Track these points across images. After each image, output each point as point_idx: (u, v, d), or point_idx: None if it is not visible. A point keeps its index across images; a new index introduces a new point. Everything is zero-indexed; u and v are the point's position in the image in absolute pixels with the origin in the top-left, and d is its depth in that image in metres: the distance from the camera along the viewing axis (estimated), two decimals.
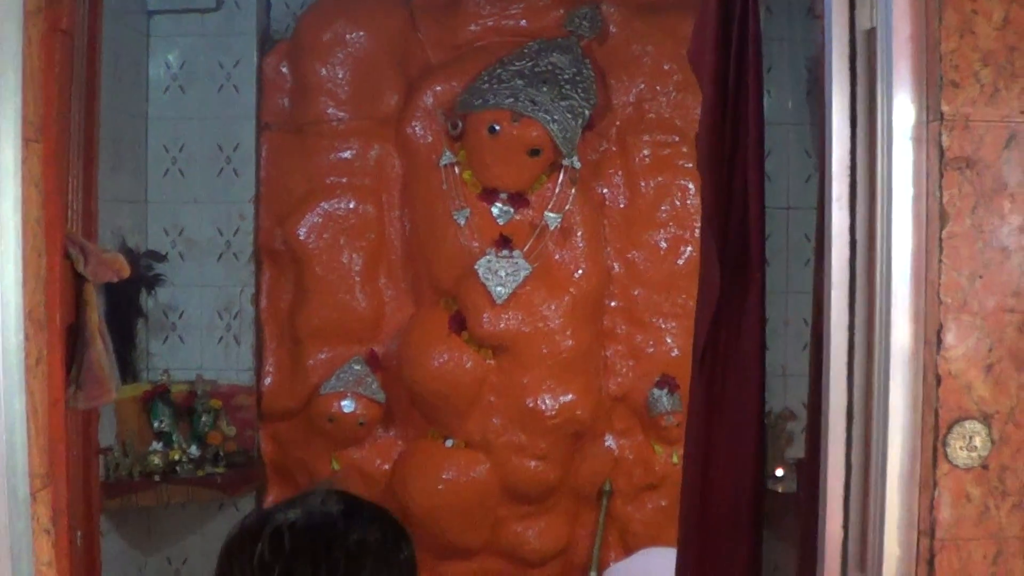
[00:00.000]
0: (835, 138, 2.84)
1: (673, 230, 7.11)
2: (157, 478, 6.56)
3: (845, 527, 2.89)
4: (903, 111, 2.66)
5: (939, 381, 2.61)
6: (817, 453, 3.05)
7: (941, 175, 2.60)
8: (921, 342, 2.65)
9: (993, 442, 2.63)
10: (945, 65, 2.59)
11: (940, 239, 2.60)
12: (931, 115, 2.62)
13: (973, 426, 2.62)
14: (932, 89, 2.62)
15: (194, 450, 6.77)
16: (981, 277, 2.61)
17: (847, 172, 2.83)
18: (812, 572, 3.11)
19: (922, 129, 2.65)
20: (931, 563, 2.66)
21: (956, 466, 2.63)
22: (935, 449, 2.63)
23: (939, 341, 2.61)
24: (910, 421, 2.67)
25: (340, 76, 7.12)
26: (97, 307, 3.70)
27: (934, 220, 2.61)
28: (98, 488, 4.17)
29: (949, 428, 2.62)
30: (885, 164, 2.69)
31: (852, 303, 2.83)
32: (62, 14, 3.30)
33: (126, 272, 3.82)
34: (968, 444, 2.63)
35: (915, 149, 2.66)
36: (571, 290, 6.93)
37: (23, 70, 2.87)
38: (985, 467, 2.64)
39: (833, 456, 2.85)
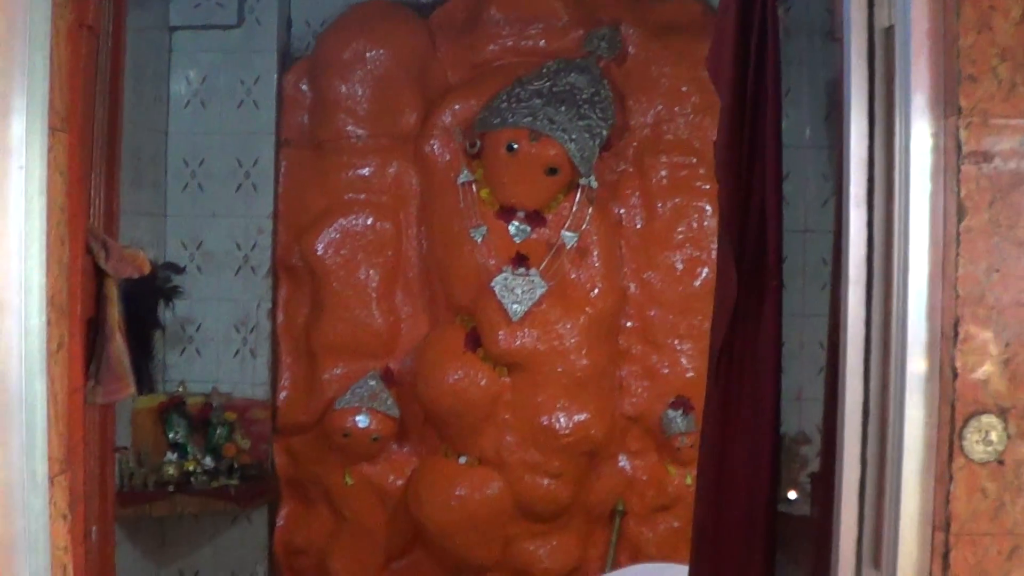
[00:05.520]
0: (853, 136, 2.86)
1: (690, 251, 7.11)
2: (171, 488, 6.58)
3: (860, 523, 2.89)
4: (921, 107, 2.68)
5: (955, 375, 2.62)
6: (833, 465, 3.05)
7: (959, 170, 2.61)
8: (938, 336, 2.66)
9: (1009, 436, 2.63)
10: (963, 60, 2.61)
11: (957, 233, 2.61)
12: (949, 110, 2.64)
13: (989, 420, 2.63)
14: (950, 84, 2.64)
15: (208, 462, 6.77)
16: (998, 271, 2.62)
17: (865, 168, 2.84)
18: None
19: (940, 124, 2.66)
20: (946, 558, 2.66)
21: (972, 460, 2.63)
22: (951, 443, 2.63)
23: (956, 335, 2.61)
24: (926, 415, 2.67)
25: (359, 93, 7.15)
26: (117, 303, 3.72)
27: (951, 214, 2.62)
28: (113, 486, 4.18)
29: (965, 422, 2.62)
30: (903, 160, 2.70)
31: (869, 299, 2.84)
32: (87, 10, 3.33)
33: (147, 268, 3.85)
34: (984, 438, 2.63)
35: (933, 144, 2.67)
36: (587, 309, 6.93)
37: (50, 60, 2.89)
38: (1001, 462, 2.64)
39: (849, 451, 2.85)
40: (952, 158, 2.63)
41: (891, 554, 2.74)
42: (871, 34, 2.87)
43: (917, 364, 2.68)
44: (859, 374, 2.84)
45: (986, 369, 2.62)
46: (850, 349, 2.85)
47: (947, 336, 2.64)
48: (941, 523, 2.66)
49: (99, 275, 3.62)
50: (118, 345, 3.67)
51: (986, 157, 2.60)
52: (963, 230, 2.61)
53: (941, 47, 2.66)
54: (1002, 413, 2.63)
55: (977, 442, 2.63)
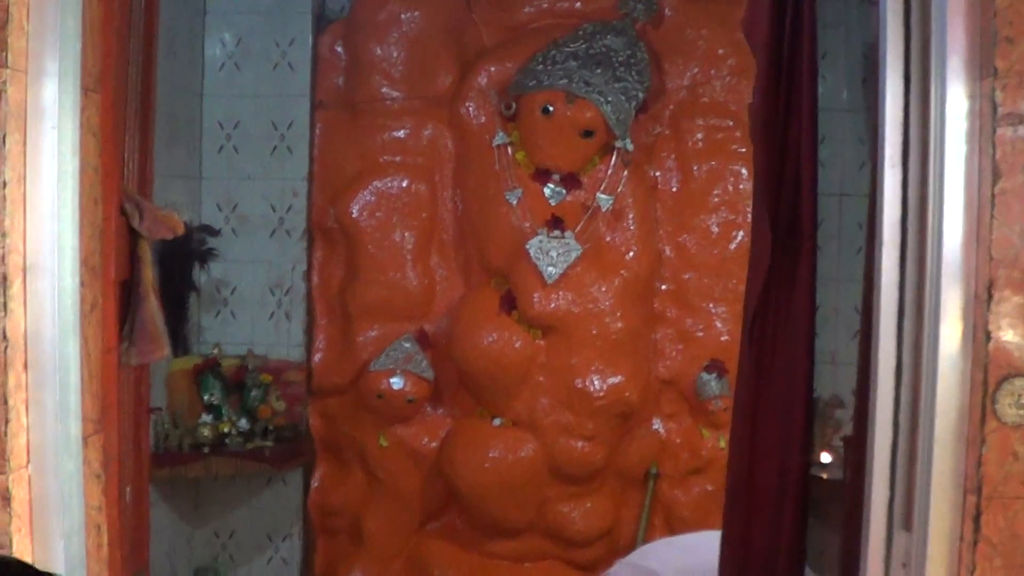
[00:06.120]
0: (888, 97, 2.84)
1: (725, 214, 7.09)
2: (206, 450, 6.60)
3: (892, 486, 2.88)
4: (956, 68, 2.65)
5: (989, 338, 2.60)
6: (865, 428, 3.04)
7: (994, 132, 2.59)
8: (971, 299, 2.64)
9: None
10: (999, 21, 2.58)
11: (992, 195, 2.59)
12: (984, 72, 2.61)
13: (1022, 383, 2.61)
14: (986, 46, 2.61)
15: (244, 423, 6.79)
16: None
17: (900, 130, 2.82)
18: (856, 559, 3.11)
19: (975, 86, 2.64)
20: (977, 521, 2.65)
21: (1004, 423, 2.61)
22: (984, 406, 2.61)
23: (989, 297, 2.60)
24: (959, 378, 2.66)
25: (395, 56, 7.14)
26: (151, 265, 3.73)
27: (986, 176, 2.60)
28: (148, 447, 4.21)
29: (998, 385, 2.60)
30: (938, 122, 2.68)
31: (903, 261, 2.82)
32: None
33: (180, 229, 3.86)
34: (1017, 401, 2.61)
35: (968, 106, 2.65)
36: (622, 272, 6.92)
37: (83, 20, 2.90)
38: None
39: (881, 414, 2.84)
40: (987, 120, 2.61)
41: (922, 517, 2.74)
42: None
43: (950, 327, 2.66)
44: (892, 336, 2.83)
45: (1020, 332, 2.61)
46: (883, 311, 2.83)
47: (981, 299, 2.62)
48: (973, 486, 2.65)
49: (133, 236, 3.64)
50: (152, 306, 3.69)
51: (1022, 119, 2.58)
52: (998, 192, 2.59)
53: (977, 8, 2.63)
54: None
55: (1010, 405, 2.62)
